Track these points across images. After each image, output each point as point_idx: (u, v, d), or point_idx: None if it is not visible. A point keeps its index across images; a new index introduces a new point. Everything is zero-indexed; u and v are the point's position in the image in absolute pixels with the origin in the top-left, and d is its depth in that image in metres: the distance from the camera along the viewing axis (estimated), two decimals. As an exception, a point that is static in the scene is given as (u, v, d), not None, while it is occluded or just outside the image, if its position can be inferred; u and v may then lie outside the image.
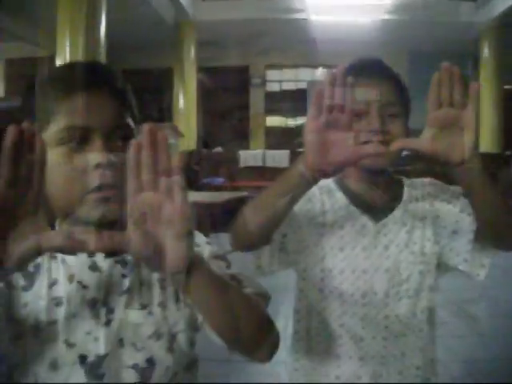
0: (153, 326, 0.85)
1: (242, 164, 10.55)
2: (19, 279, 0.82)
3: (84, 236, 0.60)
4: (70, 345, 0.81)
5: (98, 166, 0.78)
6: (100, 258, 0.85)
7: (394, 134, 1.07)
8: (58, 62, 5.97)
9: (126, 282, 0.85)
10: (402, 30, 10.56)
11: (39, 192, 0.62)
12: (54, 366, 0.80)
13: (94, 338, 0.82)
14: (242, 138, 12.75)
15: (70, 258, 0.84)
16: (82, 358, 0.81)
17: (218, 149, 11.22)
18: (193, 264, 0.67)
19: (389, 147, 0.94)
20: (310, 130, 0.88)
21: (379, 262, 1.15)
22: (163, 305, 0.86)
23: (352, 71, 1.13)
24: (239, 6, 10.19)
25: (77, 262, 0.84)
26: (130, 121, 0.86)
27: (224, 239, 0.75)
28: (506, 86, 10.88)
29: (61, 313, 0.82)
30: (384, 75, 1.14)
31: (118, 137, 0.82)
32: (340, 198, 1.18)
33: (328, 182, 1.19)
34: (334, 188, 1.19)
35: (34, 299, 0.82)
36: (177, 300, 0.88)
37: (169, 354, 0.85)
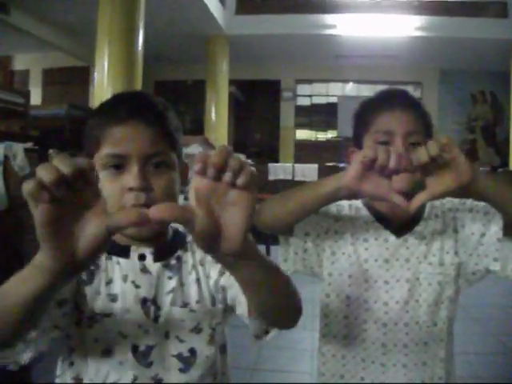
0: (194, 321, 0.96)
1: (271, 177, 10.60)
2: (83, 275, 0.93)
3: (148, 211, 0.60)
4: (124, 336, 0.92)
5: (130, 189, 0.89)
6: (149, 262, 0.97)
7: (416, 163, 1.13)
8: (96, 73, 6.17)
9: (172, 283, 0.97)
10: (433, 46, 10.55)
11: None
12: (109, 352, 0.92)
13: (144, 331, 0.94)
14: (272, 151, 12.84)
15: (123, 261, 0.96)
16: (135, 348, 0.93)
17: (248, 161, 11.30)
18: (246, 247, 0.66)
19: (410, 204, 0.99)
20: (359, 159, 0.97)
21: (400, 273, 1.22)
22: (200, 302, 0.98)
23: (377, 102, 1.25)
24: (271, 21, 10.29)
25: (129, 265, 0.96)
26: (166, 148, 0.94)
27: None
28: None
29: (115, 308, 0.93)
30: (407, 106, 1.20)
31: (153, 163, 0.92)
32: (366, 215, 1.27)
33: (357, 202, 1.29)
34: (361, 207, 1.28)
35: (93, 294, 0.93)
36: (212, 297, 0.99)
37: (209, 346, 0.97)
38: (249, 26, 10.36)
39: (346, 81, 13.28)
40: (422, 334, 1.22)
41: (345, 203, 1.29)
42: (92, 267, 0.95)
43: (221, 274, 0.98)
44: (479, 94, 12.77)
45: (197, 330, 0.96)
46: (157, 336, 0.94)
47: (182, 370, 0.95)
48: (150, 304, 0.95)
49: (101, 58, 6.02)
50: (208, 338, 0.97)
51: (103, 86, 5.92)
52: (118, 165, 0.91)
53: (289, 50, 11.40)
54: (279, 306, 0.83)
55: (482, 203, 1.14)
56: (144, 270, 0.96)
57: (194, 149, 7.36)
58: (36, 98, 10.67)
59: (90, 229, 0.61)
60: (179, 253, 1.01)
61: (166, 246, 1.00)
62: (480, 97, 12.80)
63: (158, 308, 0.95)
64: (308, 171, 10.41)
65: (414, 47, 10.67)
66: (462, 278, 1.24)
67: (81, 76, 12.00)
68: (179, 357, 0.95)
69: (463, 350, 3.27)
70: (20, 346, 0.80)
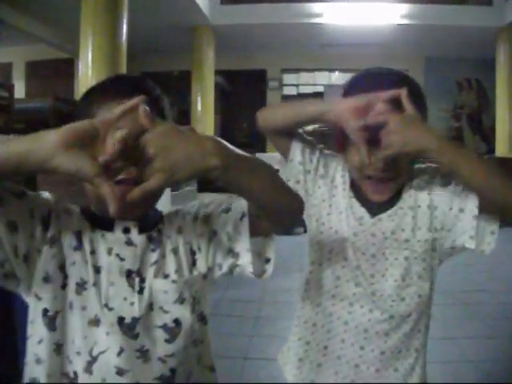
0: (177, 292, 0.99)
1: (258, 166, 10.61)
2: (72, 240, 0.96)
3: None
4: (110, 308, 0.95)
5: None
6: (134, 235, 0.99)
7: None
8: (80, 65, 6.11)
9: (155, 255, 1.00)
10: (419, 34, 10.58)
11: None
12: (96, 322, 0.94)
13: (129, 303, 0.96)
14: (259, 141, 12.83)
15: (108, 234, 0.98)
16: (120, 320, 0.95)
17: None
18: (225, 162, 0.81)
19: (370, 160, 1.10)
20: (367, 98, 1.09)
21: (365, 247, 1.24)
22: (178, 272, 1.00)
23: (361, 80, 1.25)
24: (257, 11, 10.25)
25: (114, 238, 0.98)
26: None
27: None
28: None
29: (100, 278, 0.96)
30: (389, 86, 1.15)
31: None
32: (347, 191, 1.28)
33: (346, 177, 1.30)
34: (348, 182, 1.30)
35: (81, 260, 0.95)
36: (189, 265, 1.02)
37: (192, 315, 1.00)
38: (234, 15, 10.31)
39: (332, 70, 13.26)
40: (387, 306, 1.23)
41: (338, 173, 1.32)
42: (79, 235, 0.97)
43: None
44: (465, 81, 12.84)
45: (180, 300, 0.99)
46: (142, 308, 0.96)
47: (167, 341, 0.97)
48: (134, 276, 0.97)
49: (85, 50, 5.97)
50: (190, 307, 1.00)
51: (88, 78, 5.86)
52: None
53: (275, 39, 11.37)
54: (281, 197, 0.97)
55: None
56: (129, 242, 0.98)
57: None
58: (20, 91, 10.57)
59: (74, 159, 0.73)
60: (159, 226, 1.03)
61: (150, 219, 1.03)
62: (466, 84, 12.87)
63: (142, 280, 0.97)
64: (296, 161, 10.42)
65: (400, 35, 10.69)
66: (439, 253, 1.24)
67: (65, 68, 11.89)
68: (164, 328, 0.97)
69: (453, 334, 3.33)
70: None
